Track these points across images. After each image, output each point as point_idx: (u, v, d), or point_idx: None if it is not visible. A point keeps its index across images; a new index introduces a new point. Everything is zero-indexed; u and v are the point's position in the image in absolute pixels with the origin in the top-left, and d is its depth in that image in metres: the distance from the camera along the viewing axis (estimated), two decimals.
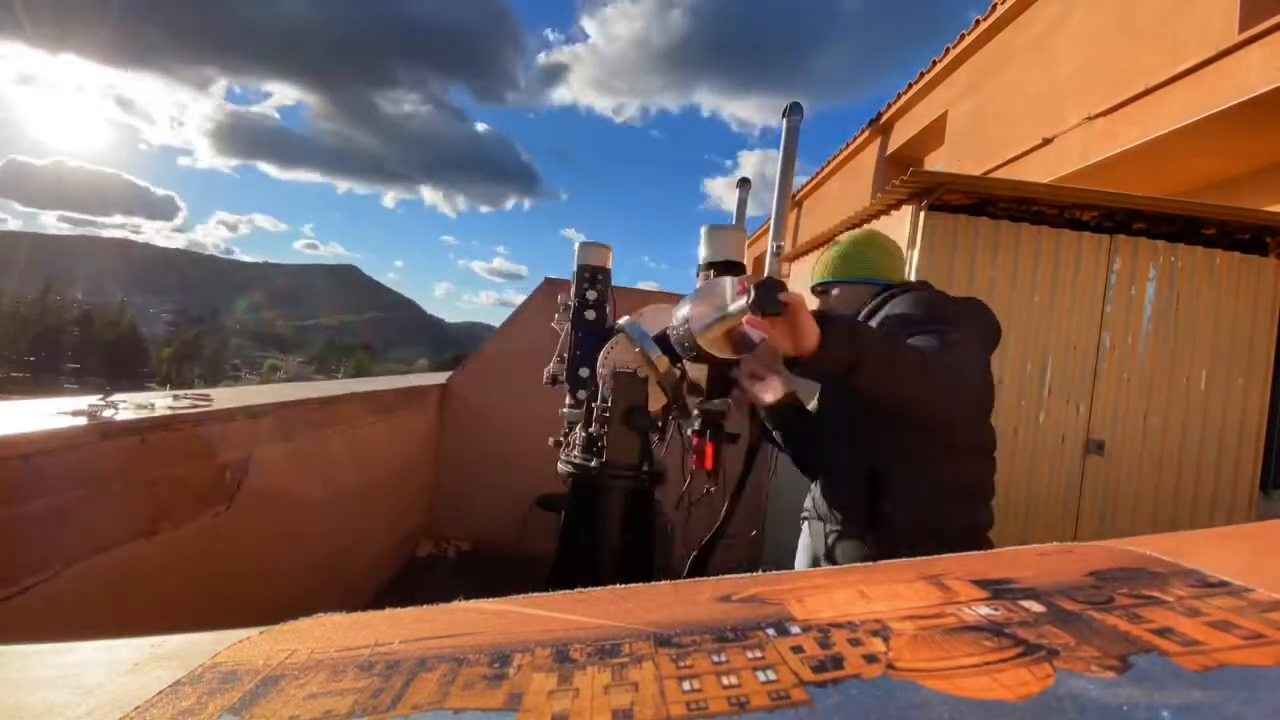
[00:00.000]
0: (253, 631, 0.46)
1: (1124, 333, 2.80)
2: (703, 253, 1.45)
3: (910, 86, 6.67)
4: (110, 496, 1.59)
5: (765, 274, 1.39)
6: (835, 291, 1.56)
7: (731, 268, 1.41)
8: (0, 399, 2.05)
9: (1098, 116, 3.99)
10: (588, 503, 1.50)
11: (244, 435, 2.12)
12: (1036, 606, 0.41)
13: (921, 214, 2.73)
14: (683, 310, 1.22)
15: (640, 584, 0.52)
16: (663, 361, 1.42)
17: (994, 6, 5.35)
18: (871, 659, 0.35)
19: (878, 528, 1.30)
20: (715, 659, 0.37)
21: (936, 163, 6.45)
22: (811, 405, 1.53)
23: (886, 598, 0.44)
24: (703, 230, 1.46)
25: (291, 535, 2.47)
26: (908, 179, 2.68)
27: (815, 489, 1.54)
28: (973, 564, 0.51)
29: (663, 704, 0.32)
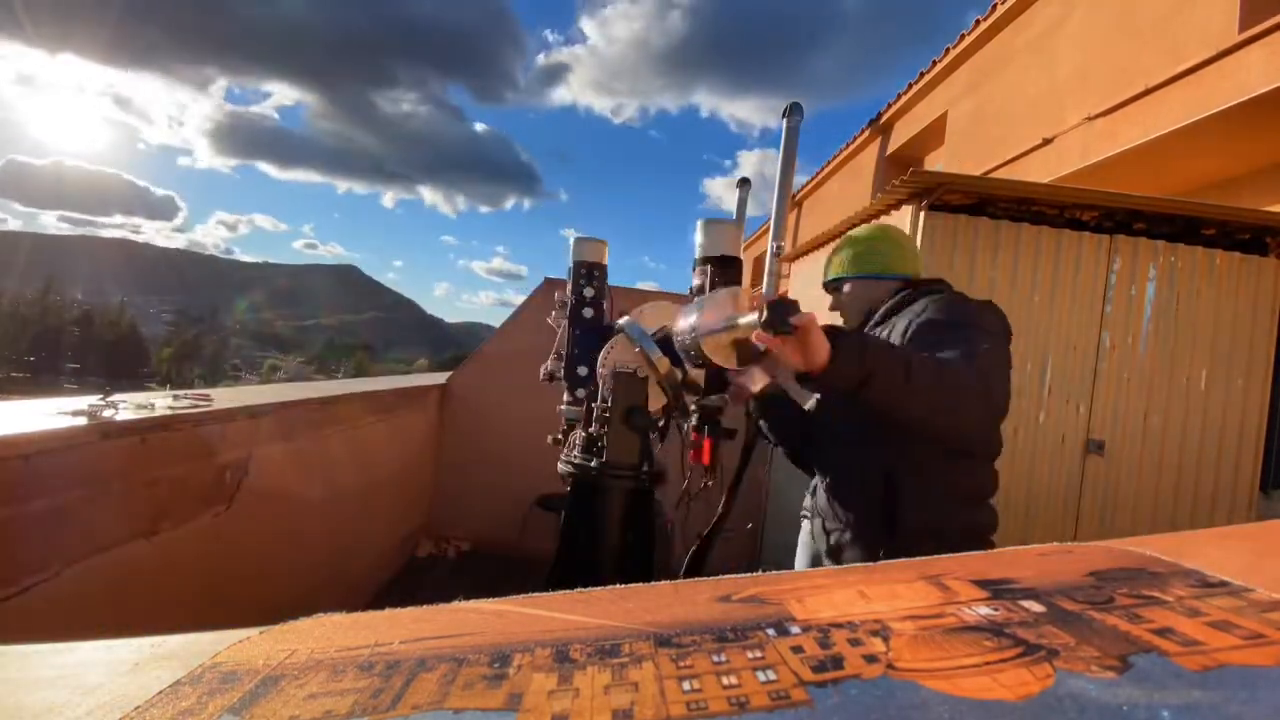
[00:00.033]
0: (253, 631, 0.46)
1: (1124, 333, 2.79)
2: (699, 247, 1.44)
3: (910, 86, 6.68)
4: (110, 496, 1.59)
5: (766, 274, 1.38)
6: (847, 288, 1.55)
7: (728, 262, 1.39)
8: (0, 399, 2.05)
9: (1098, 116, 3.99)
10: (588, 503, 1.50)
11: (244, 435, 2.12)
12: (1036, 606, 0.41)
13: (921, 214, 2.73)
14: (690, 319, 1.21)
15: (640, 584, 0.52)
16: (663, 362, 1.42)
17: (994, 6, 5.35)
18: (871, 659, 0.35)
19: (892, 531, 1.30)
20: (715, 659, 0.37)
21: (936, 163, 6.46)
22: (810, 405, 1.53)
23: (886, 598, 0.44)
24: (699, 224, 1.43)
25: (291, 535, 2.47)
26: (908, 179, 2.68)
27: (817, 488, 1.54)
28: (973, 564, 0.51)
29: (663, 704, 0.32)
